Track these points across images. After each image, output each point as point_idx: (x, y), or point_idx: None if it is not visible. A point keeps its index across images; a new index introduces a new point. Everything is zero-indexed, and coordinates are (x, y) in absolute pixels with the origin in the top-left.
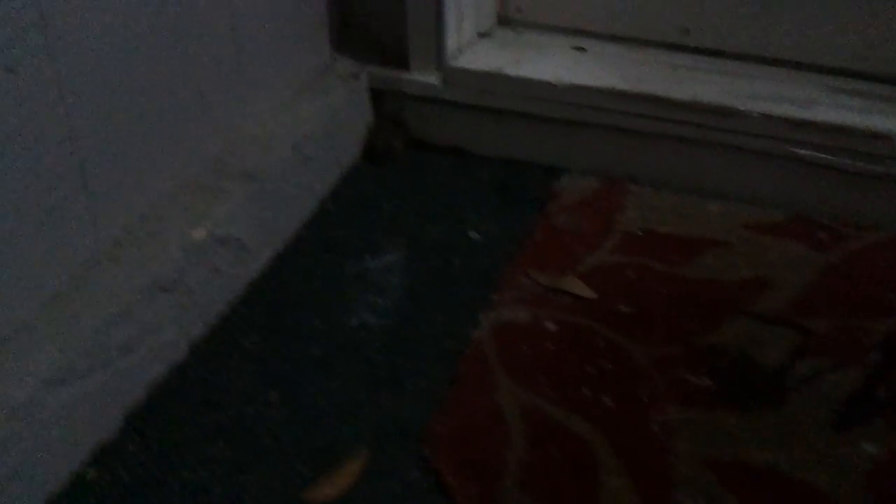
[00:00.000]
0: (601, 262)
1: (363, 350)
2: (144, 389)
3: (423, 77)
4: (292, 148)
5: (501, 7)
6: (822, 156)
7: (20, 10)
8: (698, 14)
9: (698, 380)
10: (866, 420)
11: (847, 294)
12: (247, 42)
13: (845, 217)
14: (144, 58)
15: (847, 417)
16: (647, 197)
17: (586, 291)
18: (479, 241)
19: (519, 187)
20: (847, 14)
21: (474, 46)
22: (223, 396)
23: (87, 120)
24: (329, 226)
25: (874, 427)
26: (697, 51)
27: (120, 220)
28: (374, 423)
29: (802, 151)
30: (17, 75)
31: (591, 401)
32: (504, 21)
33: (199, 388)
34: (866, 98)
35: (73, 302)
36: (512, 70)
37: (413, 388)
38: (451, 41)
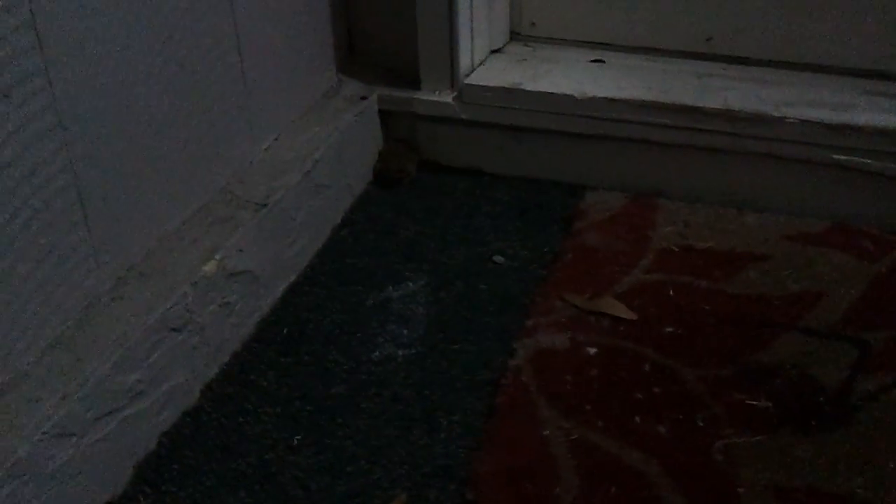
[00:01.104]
0: (639, 281)
1: (390, 385)
2: (156, 438)
3: (436, 96)
4: (303, 174)
5: (515, 22)
6: (863, 160)
7: (15, 32)
8: (722, 21)
9: (756, 401)
10: None
11: None
12: (252, 67)
13: (889, 223)
14: (148, 85)
15: None
16: (679, 211)
17: (626, 312)
18: (506, 265)
19: (542, 207)
20: (879, 15)
21: (488, 63)
22: (242, 442)
23: (86, 149)
24: (344, 254)
25: None
26: (722, 58)
27: (124, 257)
28: (409, 465)
29: (842, 157)
30: (10, 100)
31: (644, 429)
32: (517, 36)
33: (215, 434)
34: None
35: (76, 346)
36: (530, 85)
37: (448, 423)
38: (465, 58)
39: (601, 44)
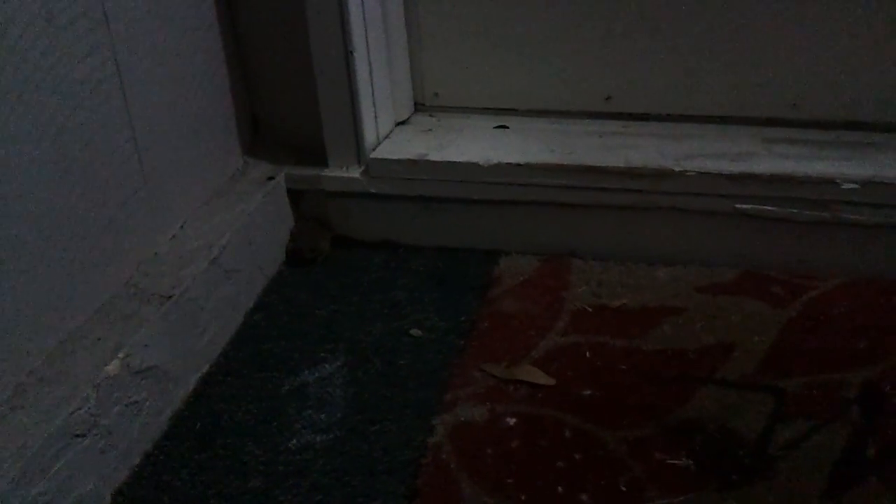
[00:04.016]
0: (555, 344)
1: (309, 474)
2: None
3: (344, 172)
4: (209, 262)
5: (418, 94)
6: (766, 208)
7: None
8: (620, 79)
9: (678, 461)
10: (859, 481)
11: (814, 348)
12: (150, 157)
13: (797, 268)
14: (36, 181)
15: (839, 482)
16: (592, 271)
17: (544, 378)
18: (423, 338)
19: (457, 276)
20: (772, 64)
21: (394, 135)
22: None
23: None
24: (259, 340)
25: (868, 487)
26: (622, 116)
27: (22, 362)
28: None
29: (745, 206)
30: None
31: (567, 499)
32: (422, 107)
33: None
34: (803, 145)
35: None
36: (436, 155)
37: None
38: (370, 132)
39: (504, 109)
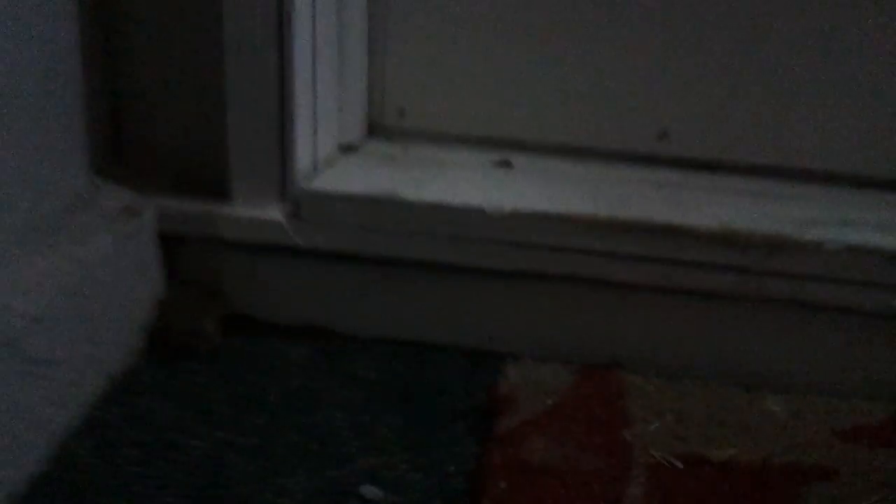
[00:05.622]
0: None
1: None
2: None
3: (257, 211)
4: (6, 345)
5: (375, 110)
6: None
7: None
8: (675, 113)
9: None
10: None
11: None
12: None
13: None
14: None
15: None
16: (661, 395)
17: None
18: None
19: (436, 390)
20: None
21: (339, 164)
22: None
23: None
24: (78, 490)
25: None
26: (680, 163)
27: None
28: None
29: None
30: None
31: None
32: (379, 129)
33: None
34: None
35: None
36: (410, 193)
37: None
38: (303, 154)
39: (501, 140)
